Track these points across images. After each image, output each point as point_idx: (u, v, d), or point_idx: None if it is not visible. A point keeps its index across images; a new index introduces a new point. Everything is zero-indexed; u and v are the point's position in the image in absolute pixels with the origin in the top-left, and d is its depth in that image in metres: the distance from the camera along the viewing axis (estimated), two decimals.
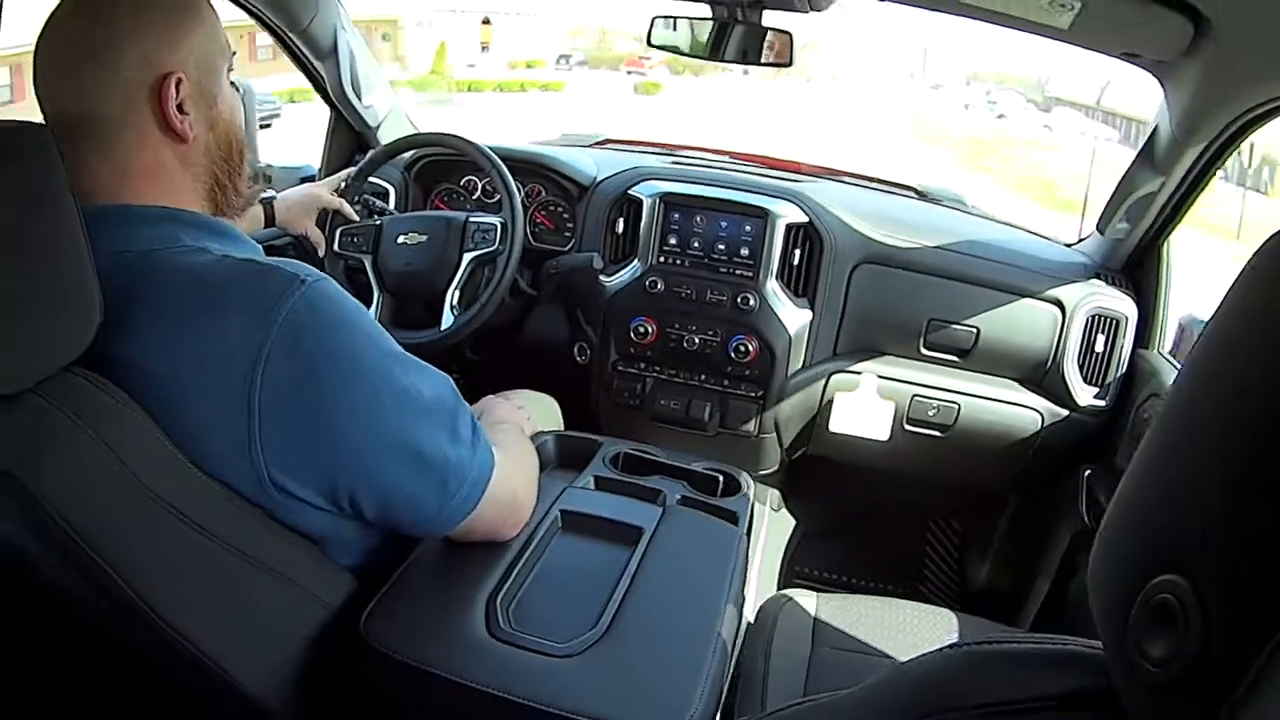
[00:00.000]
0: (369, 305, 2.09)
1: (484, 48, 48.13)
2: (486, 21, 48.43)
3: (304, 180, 2.40)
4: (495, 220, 2.09)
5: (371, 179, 2.28)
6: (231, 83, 1.22)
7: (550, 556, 1.31)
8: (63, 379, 0.93)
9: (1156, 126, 1.91)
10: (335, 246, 2.14)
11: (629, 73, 45.69)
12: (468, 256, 2.07)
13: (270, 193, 2.11)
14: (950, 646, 0.69)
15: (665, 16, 2.03)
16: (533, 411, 1.80)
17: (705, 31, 2.02)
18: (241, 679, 1.06)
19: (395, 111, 2.60)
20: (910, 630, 1.68)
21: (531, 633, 1.14)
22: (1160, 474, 0.55)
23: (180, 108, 1.10)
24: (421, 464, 1.10)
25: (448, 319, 2.06)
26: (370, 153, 2.23)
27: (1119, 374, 2.13)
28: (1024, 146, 27.89)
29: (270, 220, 2.09)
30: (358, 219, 2.16)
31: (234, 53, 1.22)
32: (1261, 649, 0.44)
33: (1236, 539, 0.47)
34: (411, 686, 1.10)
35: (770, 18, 1.94)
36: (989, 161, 25.19)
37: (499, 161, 2.10)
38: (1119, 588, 0.54)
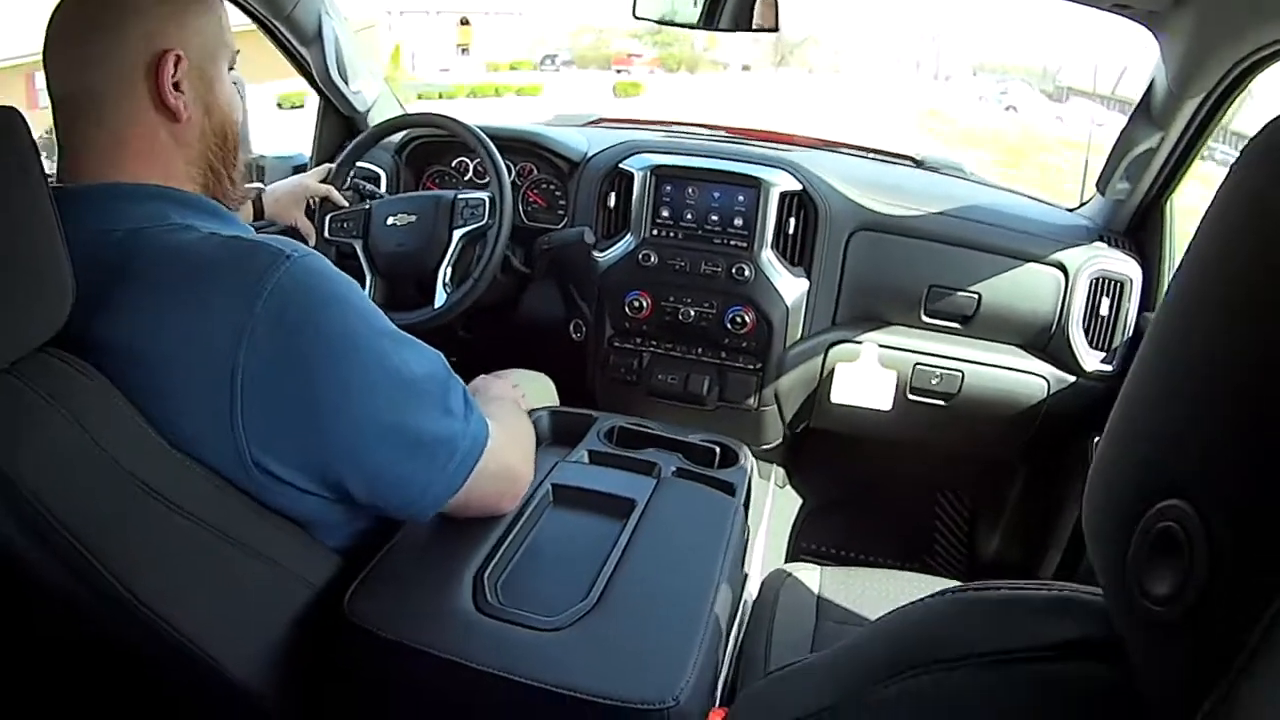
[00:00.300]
0: (363, 287, 2.06)
1: (463, 50, 45.56)
2: (465, 22, 46.04)
3: (297, 170, 2.41)
4: (483, 196, 2.07)
5: (362, 164, 2.28)
6: (234, 81, 1.23)
7: (540, 531, 1.30)
8: (37, 359, 0.93)
9: (1153, 80, 1.88)
10: (325, 233, 2.13)
11: (618, 71, 42.88)
12: (458, 233, 2.05)
13: (258, 185, 2.10)
14: (939, 593, 0.66)
15: None
16: (527, 390, 1.80)
17: (692, 1, 1.99)
18: (225, 662, 1.05)
19: (384, 96, 2.58)
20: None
21: (520, 607, 1.13)
22: (1157, 393, 0.51)
23: (177, 86, 1.11)
24: (412, 441, 1.09)
25: (440, 297, 2.04)
26: (357, 137, 2.21)
27: (1125, 338, 2.10)
28: (1056, 148, 26.39)
29: (260, 213, 2.09)
30: (346, 204, 2.15)
31: (238, 51, 1.22)
32: (1276, 586, 0.40)
33: (1243, 456, 0.42)
34: (397, 664, 1.09)
35: None
36: (1027, 168, 22.32)
37: (485, 138, 2.09)
38: (1116, 520, 0.50)
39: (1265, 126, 0.48)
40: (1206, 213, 0.50)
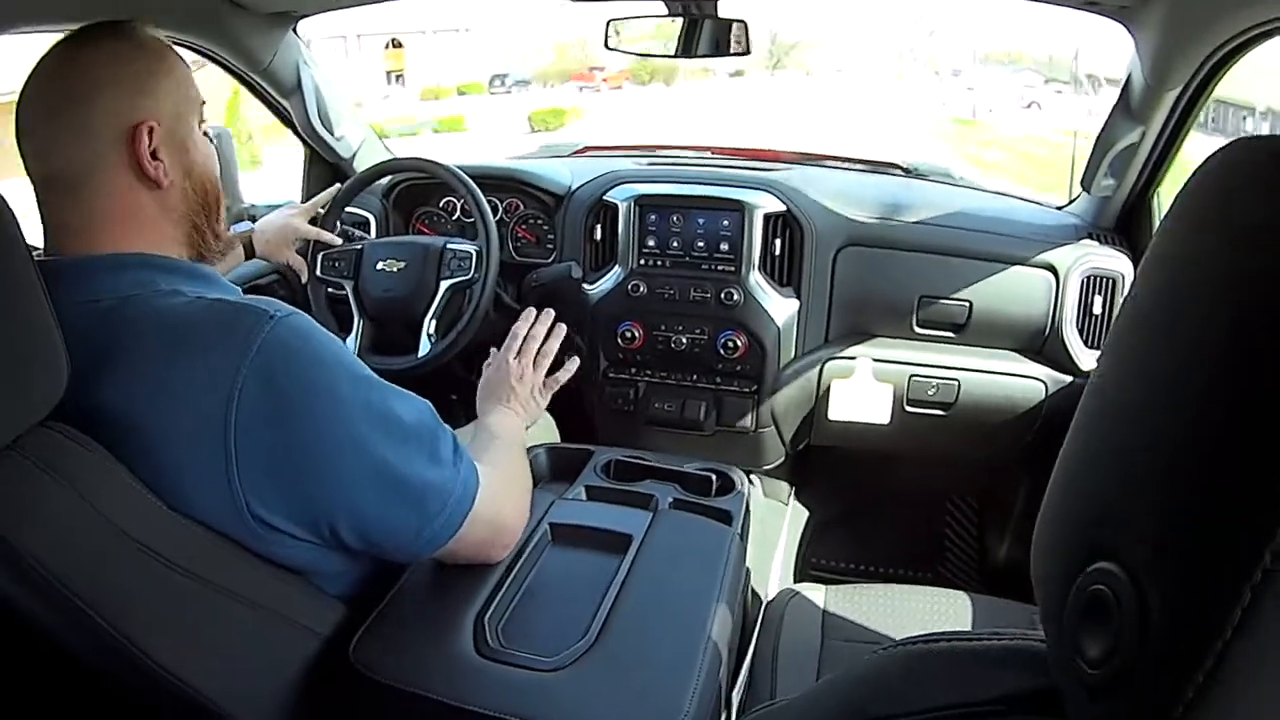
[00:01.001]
0: (350, 331, 2.10)
1: (395, 76, 40.32)
2: (395, 45, 40.46)
3: None
4: (471, 248, 2.09)
5: (350, 209, 2.28)
6: (205, 132, 1.24)
7: (539, 570, 1.31)
8: (37, 434, 0.95)
9: (1130, 75, 1.88)
10: (318, 271, 2.15)
11: (581, 89, 38.52)
12: (445, 284, 2.07)
13: (247, 224, 2.12)
14: (889, 646, 0.66)
15: (620, 19, 2.02)
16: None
17: (669, 31, 2.01)
18: (235, 712, 1.07)
19: (369, 141, 2.60)
20: (921, 615, 1.65)
21: (520, 649, 1.15)
22: (1092, 452, 0.51)
23: (154, 154, 1.12)
24: (401, 490, 1.10)
25: (424, 346, 2.06)
26: (344, 183, 2.22)
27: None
28: None
29: (250, 253, 2.11)
30: (339, 243, 2.17)
31: (204, 102, 1.23)
32: (1208, 645, 0.40)
33: (1170, 518, 0.43)
34: (402, 710, 1.11)
35: (725, 8, 1.93)
36: None
37: (472, 185, 2.09)
38: (1055, 576, 0.51)
39: (1206, 160, 0.48)
40: (1141, 266, 0.51)
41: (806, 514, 2.70)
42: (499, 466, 1.32)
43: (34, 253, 0.95)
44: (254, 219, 2.31)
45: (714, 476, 1.61)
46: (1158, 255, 0.49)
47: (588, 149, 2.80)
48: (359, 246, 2.16)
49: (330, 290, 2.16)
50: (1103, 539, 0.47)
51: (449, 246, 2.09)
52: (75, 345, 0.98)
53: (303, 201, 2.49)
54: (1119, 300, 2.08)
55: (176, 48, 1.22)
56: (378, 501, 1.09)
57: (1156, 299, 0.48)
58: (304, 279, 2.16)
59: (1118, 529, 0.46)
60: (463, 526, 1.16)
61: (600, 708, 1.08)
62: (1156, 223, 2.02)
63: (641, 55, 2.12)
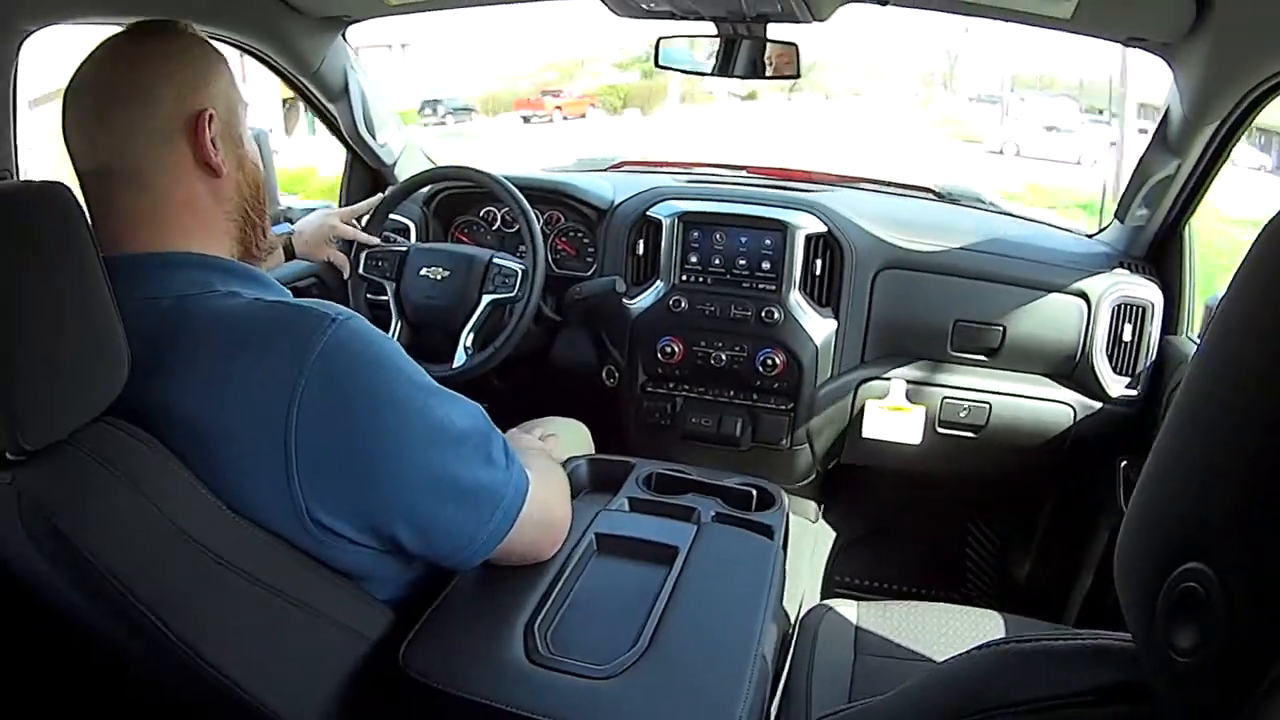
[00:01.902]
0: (388, 332, 2.09)
1: (288, 105, 31.09)
2: None
3: None
4: (517, 267, 2.11)
5: (392, 216, 2.30)
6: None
7: (587, 580, 1.32)
8: (96, 429, 0.96)
9: (1168, 108, 1.89)
10: (360, 269, 2.17)
11: (527, 119, 28.44)
12: (487, 298, 2.10)
13: (285, 225, 2.14)
14: (980, 646, 0.69)
15: (670, 37, 2.05)
16: (563, 437, 1.82)
17: (710, 50, 2.03)
18: (284, 714, 1.08)
19: (410, 147, 2.62)
20: (952, 633, 1.67)
21: (570, 656, 1.15)
22: (1179, 462, 0.55)
23: (213, 143, 1.14)
24: (459, 492, 1.12)
25: (460, 358, 2.08)
26: (388, 190, 2.25)
27: (1149, 362, 2.11)
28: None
29: (290, 254, 2.13)
30: (378, 242, 2.20)
31: (247, 104, 1.25)
32: None
33: (1256, 523, 0.47)
34: (453, 716, 1.11)
35: (774, 31, 1.95)
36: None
37: (522, 199, 2.12)
38: (1144, 579, 0.54)
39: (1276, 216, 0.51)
40: (1227, 290, 0.54)
41: (834, 531, 2.71)
42: (540, 471, 1.33)
43: (99, 251, 0.97)
44: (290, 221, 2.34)
45: (754, 491, 1.62)
46: (1253, 262, 0.53)
47: (624, 163, 2.82)
48: (404, 249, 2.18)
49: (370, 291, 2.19)
50: (1192, 541, 0.50)
51: (495, 261, 2.12)
52: (135, 341, 0.99)
53: (340, 204, 2.54)
54: (1148, 328, 2.11)
55: (228, 47, 1.24)
56: (436, 504, 1.11)
57: (1246, 315, 0.52)
58: (345, 275, 2.19)
59: (1205, 533, 0.50)
60: (515, 526, 1.18)
61: (653, 716, 1.09)
62: (1187, 253, 2.06)
63: (683, 72, 2.13)
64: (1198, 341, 2.01)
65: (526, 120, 28.71)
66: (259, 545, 1.05)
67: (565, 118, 29.45)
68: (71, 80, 1.14)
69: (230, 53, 1.53)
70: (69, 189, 0.95)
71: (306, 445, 1.03)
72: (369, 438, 1.06)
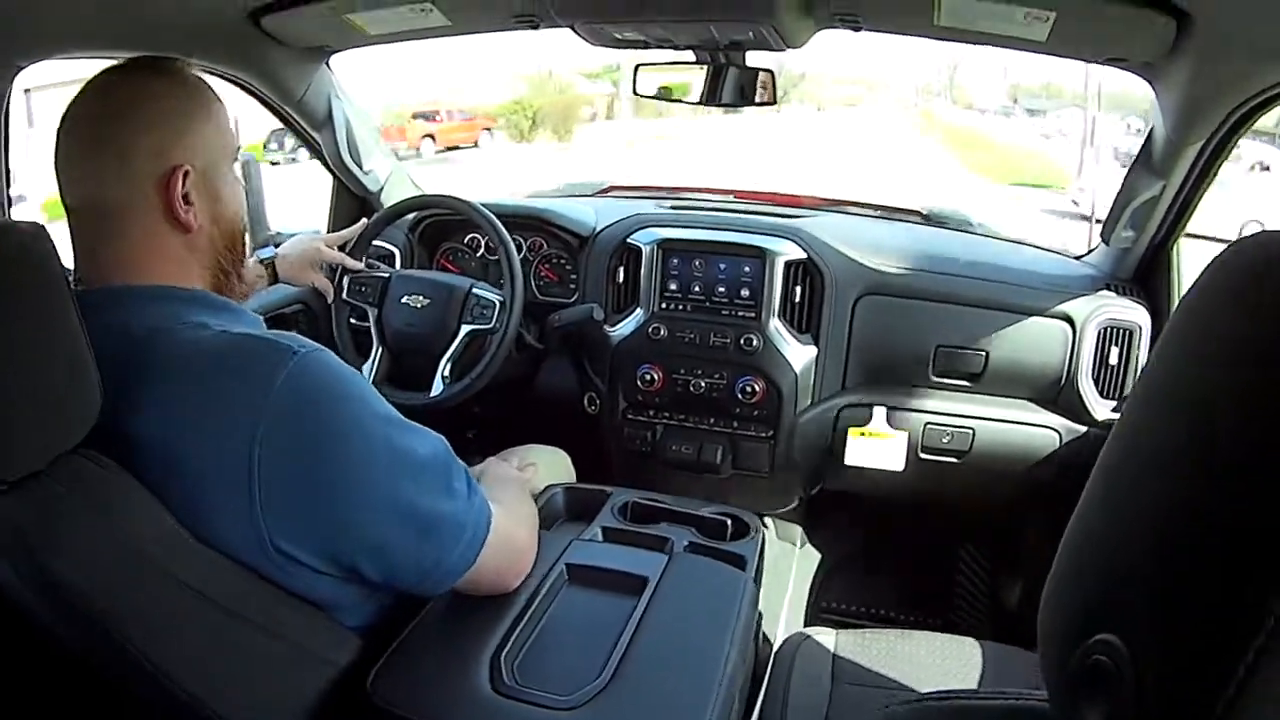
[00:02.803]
0: (368, 358, 2.14)
1: None
2: None
3: None
4: (495, 298, 2.11)
5: (376, 242, 2.31)
6: (236, 175, 1.27)
7: (556, 610, 1.32)
8: (70, 461, 0.97)
9: (1152, 129, 1.89)
10: (344, 294, 2.18)
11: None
12: (465, 328, 2.10)
13: (269, 250, 2.14)
14: (903, 703, 0.67)
15: (649, 64, 2.05)
16: (543, 464, 1.82)
17: (692, 78, 2.03)
18: None
19: (397, 174, 2.63)
20: (933, 662, 1.65)
21: (535, 687, 1.15)
22: (1094, 528, 0.53)
23: (186, 198, 1.15)
24: (420, 522, 1.13)
25: (438, 387, 2.09)
26: (372, 217, 2.26)
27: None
28: None
29: (274, 278, 2.12)
30: (362, 267, 2.20)
31: (239, 146, 1.27)
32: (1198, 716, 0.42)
33: (1168, 600, 0.45)
34: None
35: (753, 58, 1.96)
36: None
37: (502, 230, 2.12)
38: (1058, 646, 0.53)
39: (1208, 265, 0.50)
40: (1149, 360, 0.52)
41: (818, 557, 2.70)
42: (505, 502, 1.36)
43: (72, 288, 0.98)
44: (278, 246, 2.35)
45: (729, 521, 1.62)
46: (1173, 334, 0.51)
47: (611, 189, 2.82)
48: (387, 275, 2.19)
49: (352, 316, 2.20)
50: (1104, 611, 0.48)
51: (474, 291, 2.12)
52: (107, 370, 1.01)
53: (327, 232, 2.52)
54: (1135, 351, 2.09)
55: (213, 79, 1.24)
56: (398, 534, 1.11)
57: (1165, 377, 0.50)
58: (329, 299, 2.19)
59: (1119, 604, 0.48)
60: (480, 556, 1.19)
61: None
62: (1175, 274, 2.04)
63: (664, 100, 2.14)
64: None
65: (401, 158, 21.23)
66: (226, 574, 1.05)
67: (443, 149, 23.07)
68: (65, 113, 1.16)
69: None
70: (43, 228, 0.97)
71: (269, 477, 1.03)
72: (330, 469, 1.07)
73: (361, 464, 1.09)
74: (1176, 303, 2.04)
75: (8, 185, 1.70)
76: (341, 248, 2.21)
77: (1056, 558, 0.56)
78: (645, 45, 1.92)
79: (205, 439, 1.04)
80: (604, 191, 2.80)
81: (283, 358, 1.07)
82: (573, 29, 1.84)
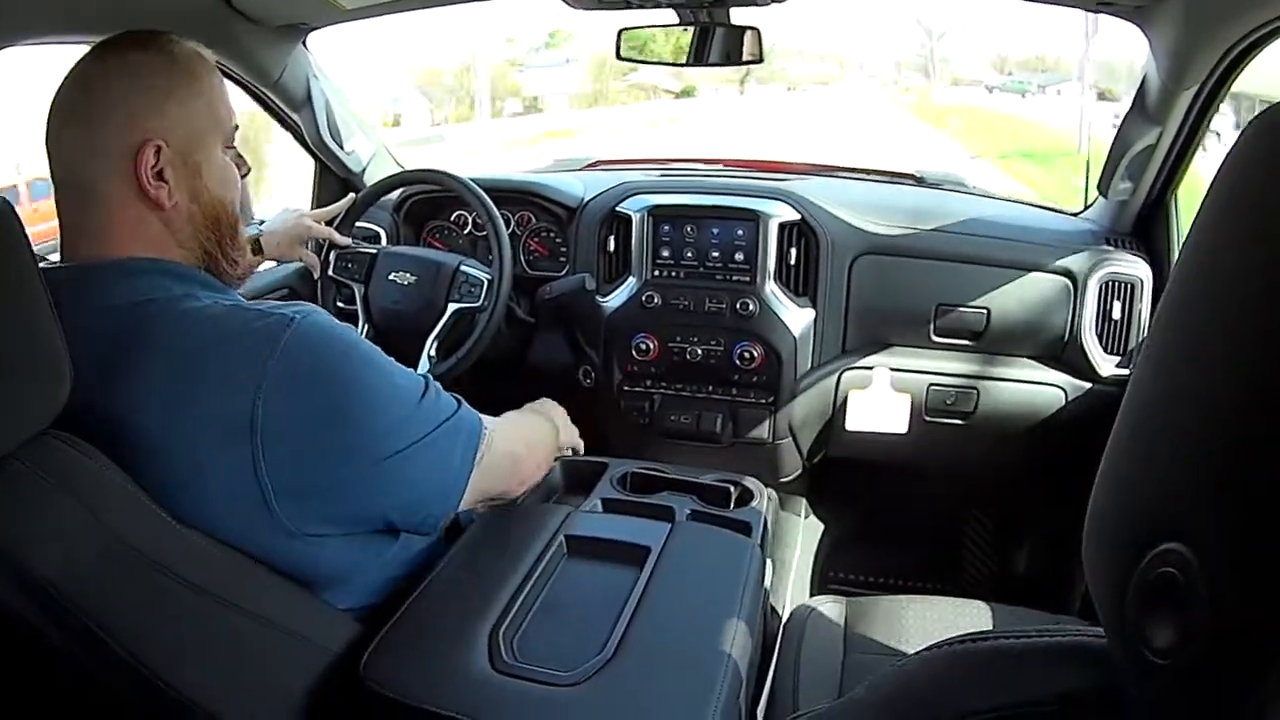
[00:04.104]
0: None
1: None
2: None
3: None
4: (483, 276, 2.08)
5: (361, 223, 2.28)
6: (231, 156, 1.26)
7: (555, 584, 1.30)
8: (40, 443, 0.95)
9: (1145, 76, 1.86)
10: (331, 270, 2.16)
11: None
12: (452, 306, 2.07)
13: (254, 227, 2.11)
14: (932, 646, 0.63)
15: (632, 28, 2.02)
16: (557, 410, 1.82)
17: (679, 39, 2.01)
18: None
19: (380, 154, 2.60)
20: (944, 626, 1.63)
21: (536, 663, 1.13)
22: (1149, 434, 0.48)
23: (160, 175, 1.14)
24: (426, 451, 1.16)
25: (423, 366, 2.06)
26: (355, 197, 2.23)
27: (1140, 339, 2.07)
28: None
29: (258, 252, 2.09)
30: (350, 243, 2.18)
31: (236, 126, 1.26)
32: None
33: (1240, 494, 0.40)
34: None
35: (737, 15, 1.92)
36: None
37: (489, 204, 2.09)
38: (1113, 565, 0.48)
39: (1241, 134, 0.46)
40: (1186, 238, 0.48)
41: (823, 527, 2.68)
42: (509, 417, 1.48)
43: (39, 261, 0.96)
44: (263, 222, 2.32)
45: (732, 488, 1.60)
46: (1206, 222, 0.47)
47: (599, 163, 2.79)
48: (374, 251, 2.17)
49: (339, 293, 2.18)
50: (1166, 521, 0.44)
51: (462, 268, 2.09)
52: (93, 349, 1.01)
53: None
54: (1138, 305, 2.06)
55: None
56: (406, 471, 1.15)
57: (1224, 234, 0.46)
58: (315, 275, 2.18)
59: (1182, 509, 0.43)
60: (479, 464, 1.23)
61: None
62: (1174, 226, 2.03)
63: (649, 63, 2.11)
64: None
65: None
66: (210, 558, 1.04)
67: None
68: (56, 89, 1.16)
69: None
70: (8, 203, 0.94)
71: (273, 439, 1.05)
72: (339, 424, 1.09)
73: (370, 414, 1.12)
74: (1178, 252, 2.03)
75: None
76: (329, 223, 2.18)
77: (1103, 461, 0.52)
78: (626, 5, 1.89)
79: (202, 410, 1.04)
80: (592, 165, 2.77)
81: (283, 322, 1.08)
82: None
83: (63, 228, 1.16)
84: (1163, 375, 0.48)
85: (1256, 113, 0.46)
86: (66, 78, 1.16)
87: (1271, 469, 0.39)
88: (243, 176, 1.29)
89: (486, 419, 1.30)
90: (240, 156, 1.28)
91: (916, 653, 0.65)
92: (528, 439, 1.47)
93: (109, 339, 1.06)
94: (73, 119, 1.14)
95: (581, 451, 1.79)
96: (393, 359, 1.20)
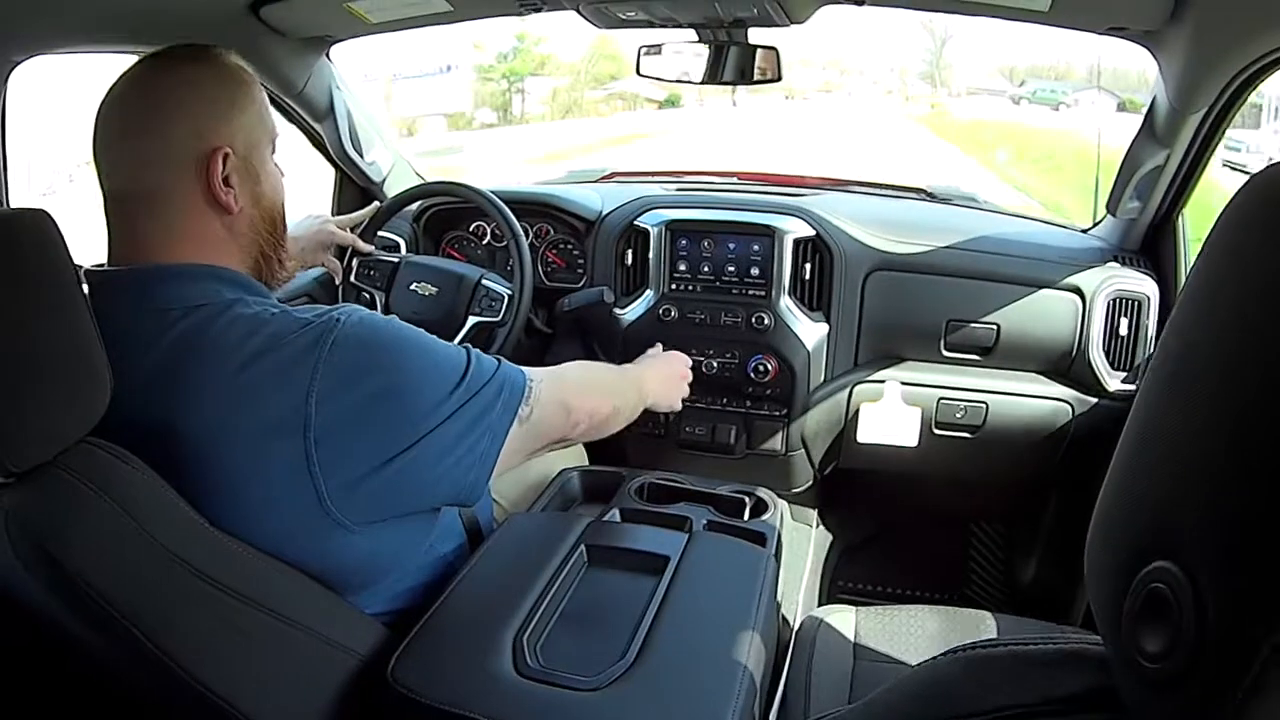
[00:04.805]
0: None
1: None
2: None
3: None
4: (505, 291, 2.11)
5: (382, 233, 2.30)
6: (275, 164, 1.29)
7: (577, 591, 1.32)
8: (81, 450, 0.98)
9: (1154, 98, 1.88)
10: (352, 277, 2.18)
11: None
12: (472, 319, 2.09)
13: None
14: (948, 651, 0.67)
15: (651, 45, 2.04)
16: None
17: (697, 57, 2.03)
18: None
19: (400, 164, 2.62)
20: (953, 637, 1.65)
21: (559, 669, 1.15)
22: (1146, 455, 0.52)
23: (226, 181, 1.17)
24: (469, 424, 1.20)
25: None
26: (379, 206, 2.26)
27: (1146, 356, 2.09)
28: None
29: None
30: (373, 250, 2.20)
31: (278, 134, 1.29)
32: (1261, 640, 0.42)
33: (1227, 519, 0.44)
34: None
35: (755, 35, 1.95)
36: None
37: (513, 220, 2.12)
38: (1111, 578, 0.52)
39: (1245, 184, 0.49)
40: (1190, 272, 0.52)
41: (832, 537, 2.69)
42: (568, 369, 1.50)
43: (80, 269, 1.00)
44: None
45: (747, 499, 1.62)
46: (1212, 247, 0.50)
47: (615, 174, 2.81)
48: (396, 260, 2.19)
49: (360, 299, 2.19)
50: (1159, 538, 0.48)
51: (484, 282, 2.11)
52: (146, 353, 1.04)
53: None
54: (1145, 322, 2.09)
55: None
56: (456, 441, 1.19)
57: (1212, 290, 0.50)
58: (337, 281, 2.20)
59: (1174, 528, 0.47)
60: (526, 413, 1.28)
61: None
62: (1181, 244, 2.04)
63: (668, 81, 2.13)
64: None
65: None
66: (245, 562, 1.07)
67: None
68: (104, 98, 1.18)
69: None
70: (49, 215, 0.97)
71: (327, 436, 1.09)
72: (394, 415, 1.14)
73: (423, 398, 1.16)
74: (1185, 271, 2.05)
75: (6, 179, 1.70)
76: (352, 230, 2.20)
77: (1103, 490, 0.56)
78: (649, 25, 1.92)
79: (254, 410, 1.07)
80: (608, 177, 2.79)
81: (330, 322, 1.13)
82: (577, 10, 1.83)
83: (113, 234, 1.19)
84: (1163, 397, 0.52)
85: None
86: (117, 89, 1.18)
87: (1258, 497, 0.43)
88: None
89: (534, 371, 1.34)
90: (277, 165, 1.31)
91: (933, 658, 0.68)
92: (582, 383, 1.50)
93: (162, 344, 1.09)
94: (134, 130, 1.16)
95: (677, 408, 1.87)
96: (434, 336, 1.24)
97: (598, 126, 25.56)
